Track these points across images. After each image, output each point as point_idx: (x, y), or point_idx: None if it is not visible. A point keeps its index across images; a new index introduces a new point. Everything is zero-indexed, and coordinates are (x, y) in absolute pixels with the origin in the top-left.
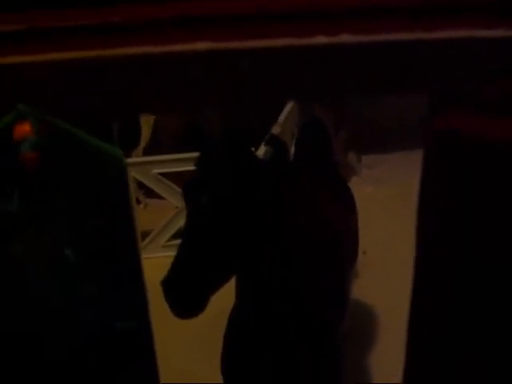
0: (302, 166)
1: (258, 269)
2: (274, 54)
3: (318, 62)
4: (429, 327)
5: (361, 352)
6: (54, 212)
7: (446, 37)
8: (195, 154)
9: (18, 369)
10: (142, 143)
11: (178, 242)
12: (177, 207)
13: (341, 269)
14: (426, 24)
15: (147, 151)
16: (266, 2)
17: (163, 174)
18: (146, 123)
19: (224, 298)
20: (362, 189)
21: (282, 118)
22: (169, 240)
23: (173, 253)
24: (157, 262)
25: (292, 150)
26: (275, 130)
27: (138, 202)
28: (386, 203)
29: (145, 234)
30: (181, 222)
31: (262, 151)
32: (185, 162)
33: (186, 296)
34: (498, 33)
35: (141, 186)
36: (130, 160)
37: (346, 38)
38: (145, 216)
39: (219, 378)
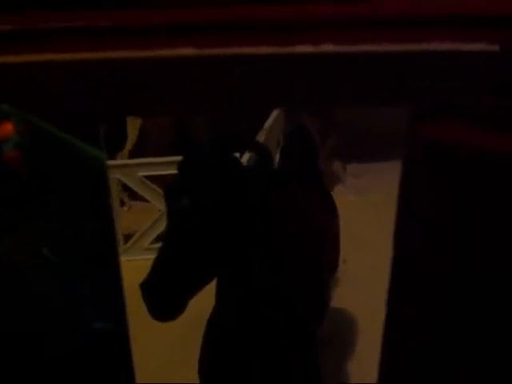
0: (288, 173)
1: (244, 274)
2: (263, 62)
3: (305, 70)
4: (404, 337)
5: (339, 358)
6: (32, 212)
7: (437, 49)
8: (180, 158)
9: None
10: (128, 146)
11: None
12: (160, 210)
13: (322, 275)
14: (417, 35)
15: (133, 154)
16: (256, 12)
17: (148, 177)
18: (133, 126)
19: (204, 301)
20: (345, 197)
21: (267, 124)
22: (152, 243)
23: (155, 256)
24: (139, 264)
25: (277, 157)
26: (261, 136)
27: (122, 203)
28: (369, 212)
29: (128, 237)
30: (163, 226)
31: (246, 158)
32: (170, 165)
33: (165, 299)
34: (492, 47)
35: (125, 188)
36: (115, 162)
37: (331, 47)
38: (128, 218)
39: (196, 379)
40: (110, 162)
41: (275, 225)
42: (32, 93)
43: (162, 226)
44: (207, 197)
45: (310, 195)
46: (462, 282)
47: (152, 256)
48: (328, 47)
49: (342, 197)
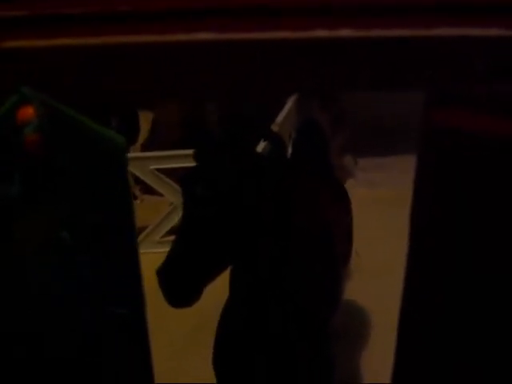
0: (300, 165)
1: (254, 263)
2: (280, 47)
3: (318, 55)
4: (419, 329)
5: (352, 352)
6: (53, 195)
7: (443, 34)
8: (192, 151)
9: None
10: (141, 139)
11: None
12: (172, 203)
13: (334, 267)
14: (423, 22)
15: (145, 147)
16: None
17: (160, 170)
18: (145, 119)
19: (219, 291)
20: (356, 191)
21: (280, 118)
22: (164, 236)
23: (168, 249)
24: (152, 257)
25: (289, 150)
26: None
27: (135, 197)
28: (380, 206)
29: (140, 230)
30: (176, 219)
31: (260, 148)
32: (182, 158)
33: (180, 285)
34: (506, 32)
35: (138, 181)
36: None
37: (348, 32)
38: (141, 212)
39: (211, 370)
40: None
41: (286, 214)
42: (50, 77)
43: (174, 220)
44: (222, 185)
45: (321, 187)
46: (480, 278)
47: (164, 249)
48: (345, 32)
49: (353, 191)
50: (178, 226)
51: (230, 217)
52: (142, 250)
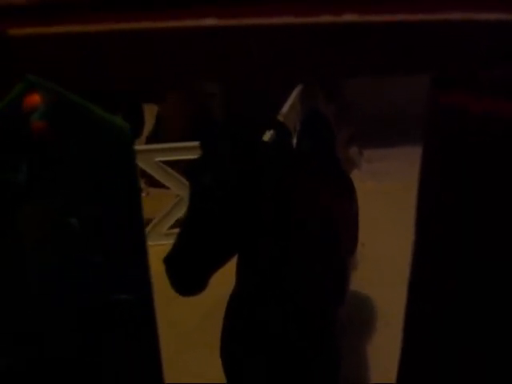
0: (305, 157)
1: (260, 252)
2: (286, 32)
3: (328, 40)
4: (425, 319)
5: (357, 342)
6: (61, 181)
7: (449, 19)
8: (197, 143)
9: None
10: (145, 132)
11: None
12: (178, 196)
13: (340, 258)
14: (428, 6)
15: (150, 140)
16: None
17: (165, 163)
18: (150, 112)
19: (228, 280)
20: (362, 182)
21: (284, 109)
22: (170, 228)
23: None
24: (158, 249)
25: (294, 142)
26: None
27: (140, 190)
28: (386, 197)
29: (147, 222)
30: (182, 211)
31: (266, 138)
32: (187, 150)
33: (187, 273)
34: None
35: (143, 174)
36: None
37: (351, 17)
38: (147, 204)
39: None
40: None
41: (291, 204)
42: (54, 65)
43: (180, 212)
44: (228, 174)
45: (326, 177)
46: (487, 269)
47: (171, 242)
48: (351, 17)
49: (359, 182)
50: (185, 214)
51: (236, 206)
52: (148, 243)
